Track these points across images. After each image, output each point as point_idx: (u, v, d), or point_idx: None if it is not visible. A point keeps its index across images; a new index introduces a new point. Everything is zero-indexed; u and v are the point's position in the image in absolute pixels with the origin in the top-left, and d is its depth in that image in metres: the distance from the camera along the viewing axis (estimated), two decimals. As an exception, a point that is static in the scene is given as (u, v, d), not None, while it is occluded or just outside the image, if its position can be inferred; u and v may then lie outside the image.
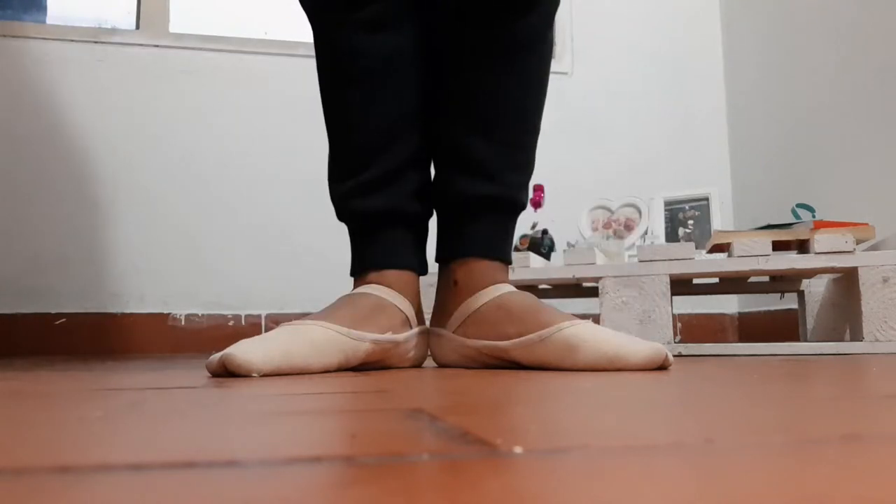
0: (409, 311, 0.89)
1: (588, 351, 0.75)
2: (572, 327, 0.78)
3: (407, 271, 0.90)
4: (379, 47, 0.88)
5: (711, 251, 1.28)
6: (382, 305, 0.85)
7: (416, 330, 0.90)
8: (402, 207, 0.90)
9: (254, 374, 0.69)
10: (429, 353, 0.94)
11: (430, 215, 0.94)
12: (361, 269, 0.90)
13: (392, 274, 0.89)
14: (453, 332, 0.89)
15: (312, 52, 0.95)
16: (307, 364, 0.74)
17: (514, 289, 0.87)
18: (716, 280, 1.38)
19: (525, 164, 0.92)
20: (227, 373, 0.70)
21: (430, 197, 0.93)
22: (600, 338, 0.76)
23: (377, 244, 0.90)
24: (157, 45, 1.99)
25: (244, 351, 0.70)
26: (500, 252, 0.90)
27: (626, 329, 1.15)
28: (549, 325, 0.79)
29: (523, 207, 0.93)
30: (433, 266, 0.96)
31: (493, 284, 0.88)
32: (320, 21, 0.91)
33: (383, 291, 0.87)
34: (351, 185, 0.90)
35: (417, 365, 0.92)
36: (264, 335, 0.76)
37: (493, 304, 0.86)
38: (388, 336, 0.84)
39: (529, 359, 0.80)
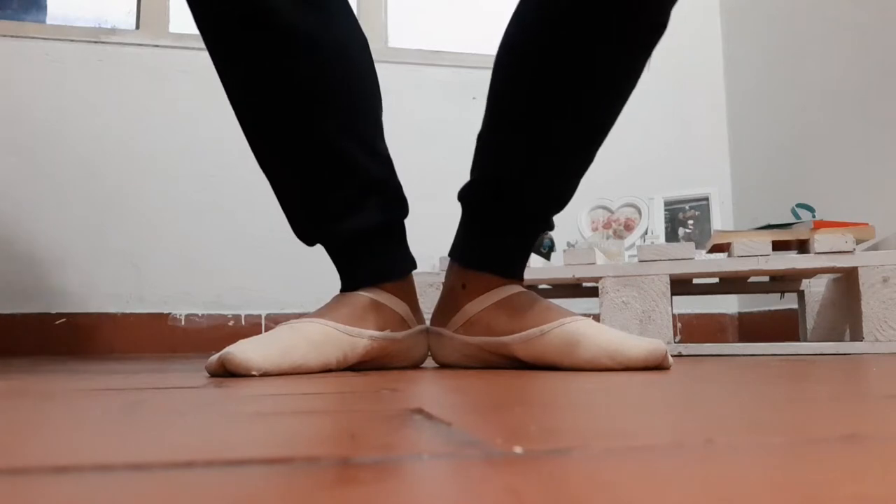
0: (406, 312, 0.88)
1: (588, 346, 0.75)
2: (573, 323, 0.78)
3: (400, 280, 0.89)
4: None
5: (711, 251, 1.28)
6: (377, 305, 0.85)
7: (415, 329, 0.89)
8: (379, 222, 0.87)
9: (253, 373, 0.69)
10: (429, 353, 0.94)
11: (406, 215, 0.91)
12: (353, 287, 0.87)
13: (386, 286, 0.87)
14: (454, 332, 0.89)
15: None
16: (306, 362, 0.74)
17: (522, 289, 0.87)
18: (716, 280, 1.38)
19: (566, 198, 0.88)
20: (226, 372, 0.70)
21: (402, 199, 0.90)
22: (601, 333, 0.76)
23: (363, 266, 0.87)
24: (157, 45, 1.99)
25: (243, 350, 0.70)
26: (516, 271, 0.89)
27: (626, 329, 1.15)
28: (550, 320, 0.79)
29: (549, 230, 0.91)
30: (433, 266, 0.95)
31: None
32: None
33: (377, 294, 0.86)
34: (318, 211, 0.86)
35: (417, 365, 0.92)
36: (263, 335, 0.76)
37: (496, 304, 0.85)
38: (387, 333, 0.84)
39: (530, 353, 0.80)
